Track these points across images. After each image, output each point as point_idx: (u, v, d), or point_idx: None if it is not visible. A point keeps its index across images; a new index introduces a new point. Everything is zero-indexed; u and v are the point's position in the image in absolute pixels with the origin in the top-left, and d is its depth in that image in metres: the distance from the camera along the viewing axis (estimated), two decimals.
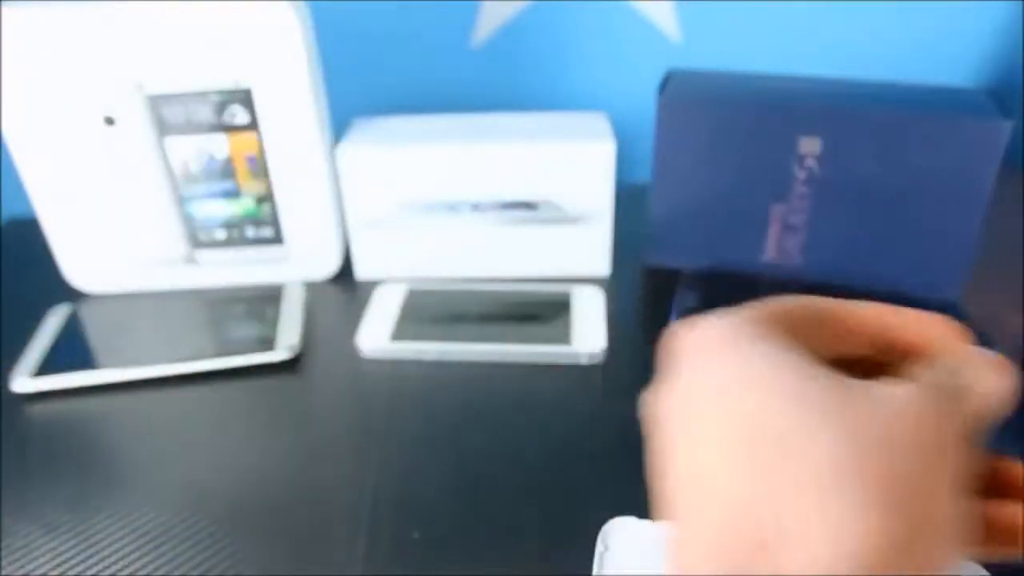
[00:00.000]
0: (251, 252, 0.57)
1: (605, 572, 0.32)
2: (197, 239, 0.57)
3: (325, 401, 0.47)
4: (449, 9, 0.68)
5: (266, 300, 0.55)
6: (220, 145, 0.53)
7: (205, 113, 0.52)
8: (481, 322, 0.53)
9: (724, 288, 0.54)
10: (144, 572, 0.36)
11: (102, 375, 0.48)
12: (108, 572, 0.36)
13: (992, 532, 0.21)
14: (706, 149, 0.53)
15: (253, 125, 0.53)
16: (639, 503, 0.30)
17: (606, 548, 0.33)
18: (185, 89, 0.51)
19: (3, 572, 0.36)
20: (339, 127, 0.57)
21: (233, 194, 0.55)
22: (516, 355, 0.49)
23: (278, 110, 0.52)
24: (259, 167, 0.54)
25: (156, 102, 0.51)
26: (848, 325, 0.23)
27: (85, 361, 0.49)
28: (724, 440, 0.18)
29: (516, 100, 0.72)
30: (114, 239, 0.56)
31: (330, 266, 0.58)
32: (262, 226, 0.57)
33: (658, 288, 0.55)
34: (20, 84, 0.49)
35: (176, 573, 0.36)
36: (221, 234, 0.57)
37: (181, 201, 0.55)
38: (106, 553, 0.37)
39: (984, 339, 0.50)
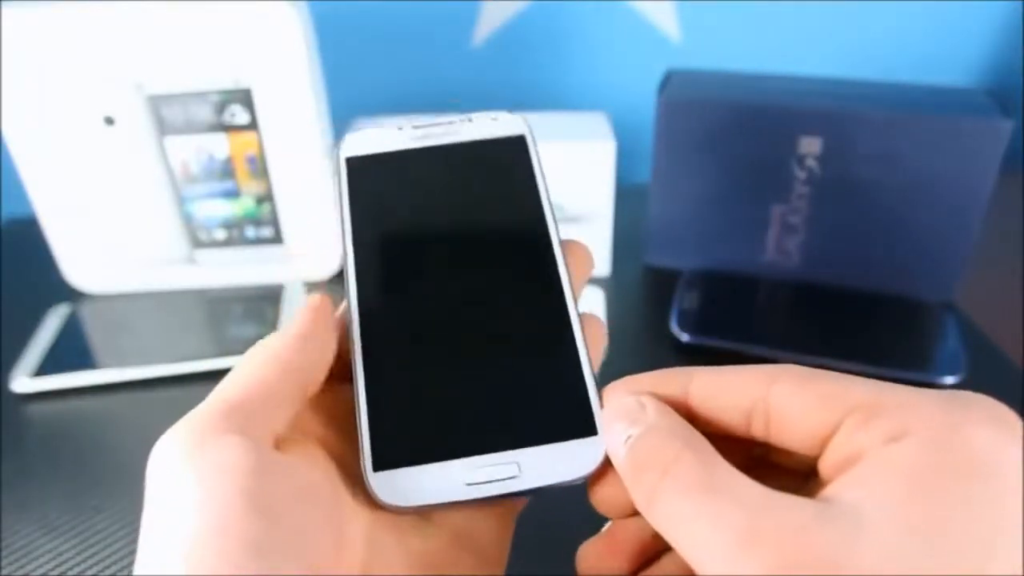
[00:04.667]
0: (251, 252, 0.57)
1: None
2: (197, 239, 0.57)
3: None
4: (449, 9, 0.68)
5: (266, 300, 0.55)
6: (220, 145, 0.53)
7: (205, 113, 0.52)
8: None
9: (724, 288, 0.54)
10: None
11: (102, 375, 0.48)
12: (108, 572, 0.36)
13: None
14: (706, 149, 0.53)
15: (253, 125, 0.53)
16: None
17: None
18: (185, 89, 0.51)
19: (3, 572, 0.36)
20: (339, 127, 0.57)
21: (233, 194, 0.55)
22: None
23: (278, 110, 0.52)
24: (259, 167, 0.54)
25: (156, 102, 0.51)
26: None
27: (85, 361, 0.49)
28: None
29: (516, 100, 0.72)
30: (114, 239, 0.56)
31: (330, 266, 0.58)
32: (262, 226, 0.57)
33: (658, 288, 0.55)
34: (20, 84, 0.49)
35: None
36: (221, 234, 0.57)
37: (181, 201, 0.55)
38: (106, 553, 0.37)
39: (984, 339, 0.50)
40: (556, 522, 0.37)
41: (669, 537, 0.18)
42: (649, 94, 0.54)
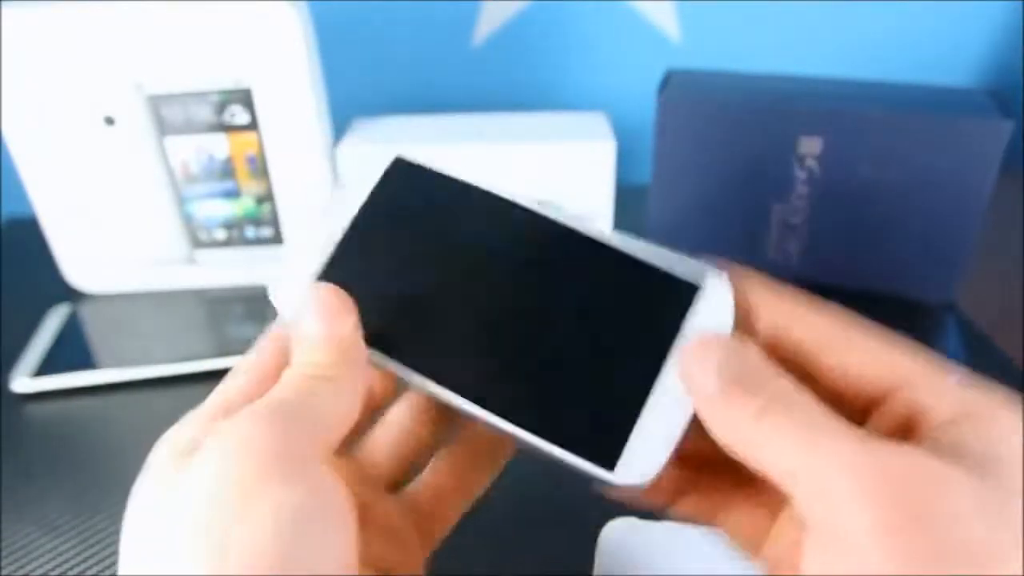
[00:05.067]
0: (251, 252, 0.57)
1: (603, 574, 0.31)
2: (197, 239, 0.57)
3: None
4: (449, 9, 0.68)
5: (266, 300, 0.55)
6: (220, 145, 0.53)
7: (205, 113, 0.52)
8: None
9: None
10: None
11: (102, 375, 0.48)
12: (108, 572, 0.36)
13: None
14: (706, 149, 0.53)
15: (253, 125, 0.53)
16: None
17: (606, 550, 0.33)
18: (185, 89, 0.51)
19: (3, 572, 0.36)
20: (339, 127, 0.57)
21: (233, 194, 0.55)
22: None
23: (278, 110, 0.52)
24: (259, 167, 0.54)
25: (156, 102, 0.51)
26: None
27: (85, 361, 0.49)
28: None
29: (516, 100, 0.72)
30: (114, 239, 0.56)
31: None
32: (262, 226, 0.57)
33: None
34: (20, 84, 0.49)
35: None
36: (221, 234, 0.57)
37: (181, 201, 0.55)
38: (106, 553, 0.37)
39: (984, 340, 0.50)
40: (557, 524, 0.37)
41: (764, 465, 0.18)
42: (649, 94, 0.54)
